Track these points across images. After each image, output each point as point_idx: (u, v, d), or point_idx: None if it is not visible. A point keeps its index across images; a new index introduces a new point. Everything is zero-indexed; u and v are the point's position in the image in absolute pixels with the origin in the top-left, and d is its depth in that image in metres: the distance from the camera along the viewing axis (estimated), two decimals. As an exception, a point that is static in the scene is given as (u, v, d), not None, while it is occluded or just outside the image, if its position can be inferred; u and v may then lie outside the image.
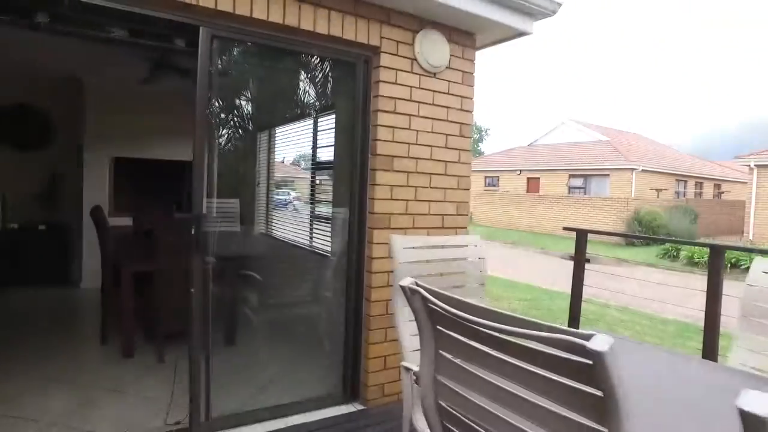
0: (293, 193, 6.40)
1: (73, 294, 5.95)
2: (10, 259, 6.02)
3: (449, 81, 3.30)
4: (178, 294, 3.67)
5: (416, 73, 3.15)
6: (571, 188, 23.19)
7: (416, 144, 3.17)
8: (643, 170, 20.46)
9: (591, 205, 19.04)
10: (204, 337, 2.71)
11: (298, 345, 4.02)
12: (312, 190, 5.49)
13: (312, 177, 5.52)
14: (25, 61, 5.60)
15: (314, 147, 5.52)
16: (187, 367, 2.72)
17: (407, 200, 3.15)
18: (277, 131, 6.40)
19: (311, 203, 5.50)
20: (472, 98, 3.41)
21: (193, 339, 2.65)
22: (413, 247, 2.26)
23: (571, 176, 23.30)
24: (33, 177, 6.52)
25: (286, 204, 6.52)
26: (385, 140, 3.03)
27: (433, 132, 3.24)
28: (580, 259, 3.95)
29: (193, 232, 2.55)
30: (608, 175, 21.31)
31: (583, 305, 3.95)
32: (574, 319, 3.89)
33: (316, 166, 5.50)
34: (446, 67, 3.26)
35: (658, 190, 20.41)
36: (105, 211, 5.97)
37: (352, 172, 3.11)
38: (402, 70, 3.09)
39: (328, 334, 3.76)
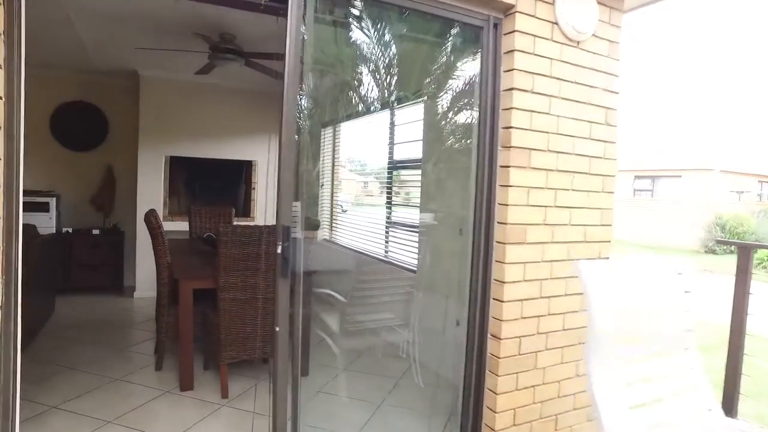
0: (365, 195, 5.76)
1: (126, 304, 5.49)
2: (63, 265, 5.63)
3: (594, 53, 2.54)
4: (245, 315, 3.06)
5: (557, 42, 2.42)
6: (636, 191, 21.75)
7: (557, 134, 2.44)
8: (721, 171, 18.88)
9: (660, 209, 17.69)
10: (291, 374, 2.06)
11: (388, 383, 3.34)
12: (389, 192, 4.83)
13: (389, 177, 4.85)
14: (82, 53, 5.18)
15: (392, 142, 4.86)
16: (257, 406, 2.08)
17: (546, 206, 2.42)
18: (344, 124, 5.78)
19: (388, 207, 4.83)
20: (618, 76, 2.65)
21: (277, 375, 2.00)
22: (619, 279, 1.53)
23: (637, 177, 21.86)
24: (87, 178, 6.13)
25: (342, 207, 5.88)
26: (521, 128, 2.31)
27: (575, 119, 2.50)
28: (743, 283, 3.11)
29: (279, 250, 1.89)
30: (680, 176, 19.81)
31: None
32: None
33: (395, 164, 4.83)
34: (591, 35, 2.51)
35: (740, 192, 18.80)
36: (160, 214, 5.50)
37: (477, 171, 2.40)
38: (540, 37, 2.36)
39: (432, 376, 3.07)
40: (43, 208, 5.60)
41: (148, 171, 5.72)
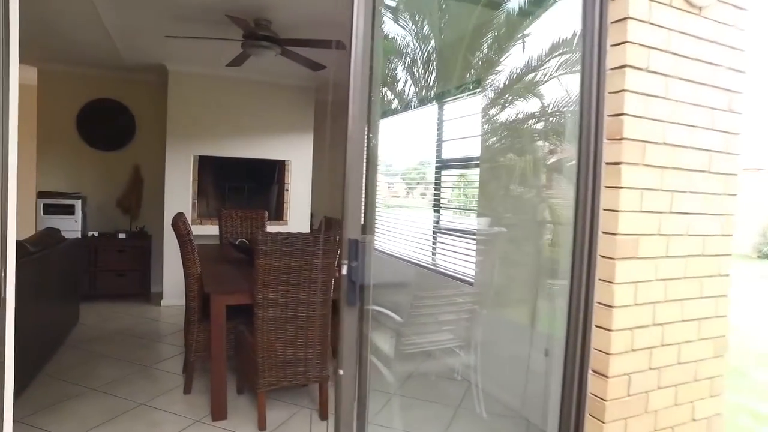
0: (409, 197, 5.33)
1: (153, 313, 5.17)
2: (88, 270, 5.35)
3: (718, 22, 2.07)
4: (285, 336, 2.67)
5: (677, 8, 1.95)
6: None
7: (673, 123, 1.97)
8: None
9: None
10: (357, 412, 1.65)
11: (447, 412, 2.91)
12: (436, 194, 4.40)
13: (437, 177, 4.42)
14: (109, 48, 4.88)
15: (440, 138, 4.43)
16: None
17: (660, 213, 1.96)
18: (387, 120, 5.37)
19: (435, 210, 4.40)
20: (744, 51, 2.17)
21: (341, 416, 1.58)
22: None
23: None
24: (113, 179, 5.86)
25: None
26: (634, 115, 1.85)
27: (694, 104, 2.02)
28: None
29: (345, 270, 1.47)
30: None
31: None
32: None
33: (443, 163, 4.40)
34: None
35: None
36: (188, 218, 5.17)
37: (579, 169, 1.94)
38: (657, 2, 1.90)
39: (498, 406, 2.63)
40: (69, 210, 5.33)
41: (176, 171, 5.40)
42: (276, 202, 5.96)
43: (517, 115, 2.96)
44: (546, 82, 2.56)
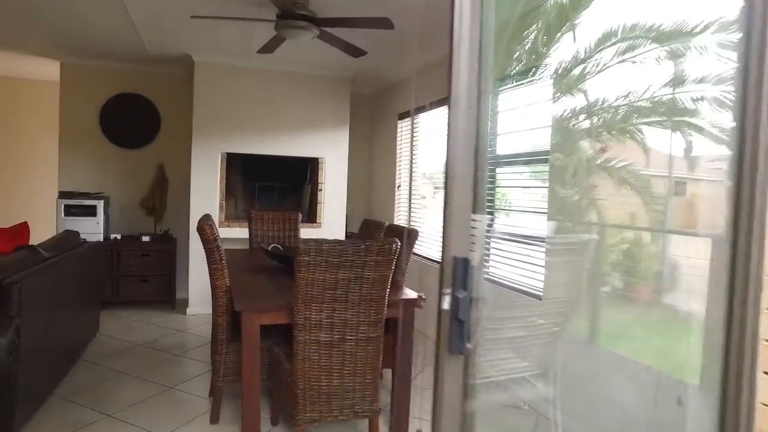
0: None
1: (178, 323, 4.79)
2: (110, 275, 5.01)
3: None
4: (330, 363, 2.21)
5: None
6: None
7: None
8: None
9: None
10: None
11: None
12: (490, 194, 3.91)
13: (490, 175, 3.93)
14: (132, 37, 4.53)
15: (494, 128, 3.94)
16: None
17: None
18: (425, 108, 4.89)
19: (489, 213, 3.90)
20: None
21: None
22: None
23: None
24: (137, 178, 5.52)
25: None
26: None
27: None
28: None
29: (447, 305, 1.00)
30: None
31: None
32: None
33: (498, 159, 3.91)
34: None
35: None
36: (215, 220, 4.79)
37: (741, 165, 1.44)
38: None
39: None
40: (90, 212, 5.00)
41: (202, 170, 5.02)
42: (309, 202, 5.53)
43: (611, 96, 2.45)
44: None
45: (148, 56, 5.15)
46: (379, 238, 3.12)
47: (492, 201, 3.88)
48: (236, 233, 5.05)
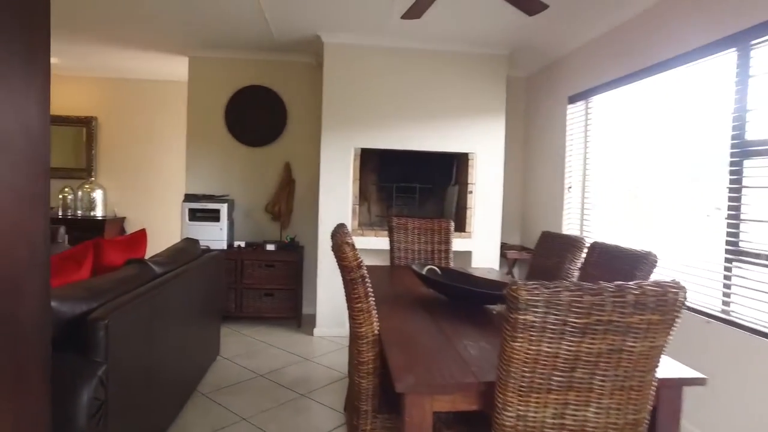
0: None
1: (304, 346, 4.13)
2: (235, 286, 4.50)
3: None
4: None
5: None
6: None
7: None
8: None
9: None
10: None
11: None
12: (734, 196, 2.69)
13: (735, 170, 2.71)
14: (258, 20, 3.96)
15: (741, 102, 2.72)
16: None
17: None
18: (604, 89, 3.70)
19: (732, 227, 2.68)
20: None
21: None
22: None
23: None
24: (262, 179, 5.00)
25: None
26: None
27: None
28: None
29: None
30: None
31: None
32: None
33: (747, 147, 2.67)
34: None
35: None
36: (348, 226, 4.03)
37: None
38: None
39: None
40: (213, 216, 4.53)
41: (333, 169, 4.32)
42: (456, 207, 4.61)
43: None
44: None
45: (275, 43, 4.59)
46: (630, 274, 2.05)
47: (736, 207, 2.65)
48: (371, 243, 4.28)
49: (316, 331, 4.37)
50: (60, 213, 5.84)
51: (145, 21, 4.16)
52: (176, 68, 5.44)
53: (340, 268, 1.92)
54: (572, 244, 2.55)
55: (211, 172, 4.97)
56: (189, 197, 4.59)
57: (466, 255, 4.40)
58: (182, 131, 5.04)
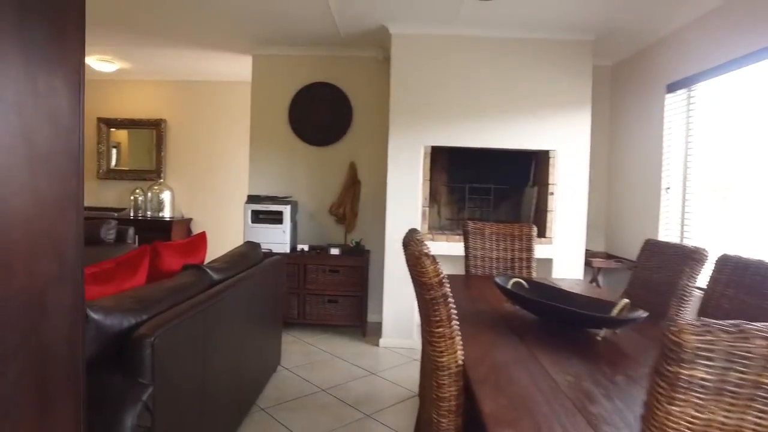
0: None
1: (370, 358, 3.87)
2: (297, 291, 4.32)
3: None
4: None
5: None
6: None
7: None
8: None
9: None
10: None
11: None
12: None
13: None
14: (325, 15, 3.76)
15: None
16: None
17: None
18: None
19: None
20: None
21: None
22: None
23: None
24: (326, 180, 4.79)
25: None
26: None
27: None
28: None
29: None
30: None
31: None
32: None
33: None
34: None
35: None
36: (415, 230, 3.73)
37: None
38: None
39: None
40: (276, 219, 4.36)
41: (401, 168, 4.03)
42: (534, 210, 4.20)
43: None
44: None
45: (340, 38, 4.37)
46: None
47: None
48: (442, 249, 3.95)
49: (382, 341, 4.10)
50: (132, 214, 5.92)
51: (209, 21, 4.08)
52: (240, 68, 5.36)
53: (415, 283, 1.62)
54: (690, 256, 2.12)
55: (275, 172, 4.82)
56: (251, 198, 4.45)
57: (546, 263, 3.99)
58: (247, 132, 4.93)
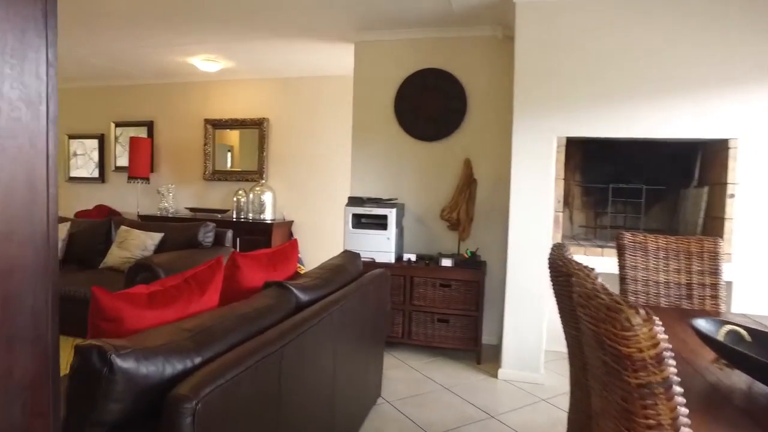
0: None
1: (486, 397, 3.21)
2: (402, 307, 3.77)
3: None
4: None
5: None
6: None
7: None
8: None
9: None
10: None
11: None
12: None
13: None
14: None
15: None
16: None
17: None
18: None
19: None
20: None
21: None
22: None
23: None
24: (436, 179, 4.20)
25: None
26: None
27: None
28: None
29: None
30: None
31: None
32: None
33: None
34: None
35: None
36: (546, 238, 3.06)
37: None
38: None
39: None
40: (380, 224, 3.86)
41: (527, 165, 3.32)
42: (704, 217, 3.28)
43: None
44: None
45: (452, 16, 3.77)
46: None
47: None
48: (588, 257, 3.18)
49: (501, 372, 3.41)
50: (234, 215, 5.76)
51: (309, 7, 3.69)
52: (342, 59, 4.96)
53: (598, 343, 0.97)
54: None
55: (379, 171, 4.32)
56: (353, 201, 3.98)
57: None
58: (349, 128, 4.49)
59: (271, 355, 1.52)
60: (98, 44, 4.91)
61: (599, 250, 3.20)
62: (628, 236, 2.34)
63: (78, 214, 6.22)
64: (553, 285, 1.69)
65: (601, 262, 3.12)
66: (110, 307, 1.56)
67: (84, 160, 6.79)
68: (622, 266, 2.34)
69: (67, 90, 6.71)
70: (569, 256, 1.58)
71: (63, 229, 4.66)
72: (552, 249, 1.73)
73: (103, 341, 1.23)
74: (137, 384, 1.23)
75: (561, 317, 1.69)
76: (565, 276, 1.50)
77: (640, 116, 3.15)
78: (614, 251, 3.17)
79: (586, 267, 1.21)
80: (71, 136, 6.82)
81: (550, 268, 1.68)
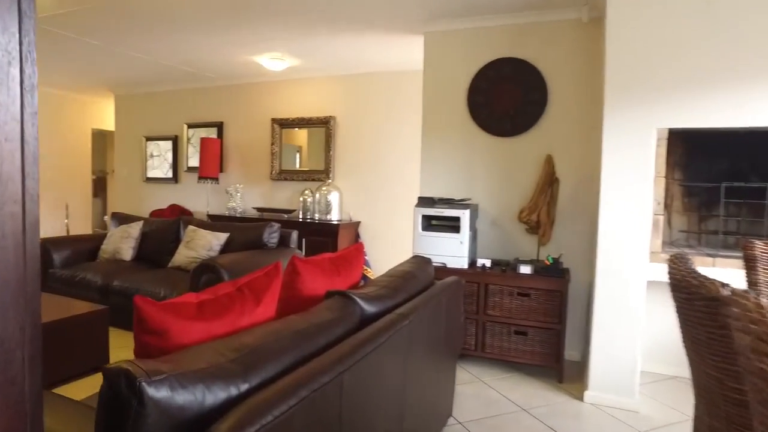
0: None
1: (571, 423, 2.85)
2: (476, 318, 3.47)
3: None
4: None
5: None
6: None
7: None
8: None
9: None
10: None
11: None
12: None
13: None
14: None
15: None
16: None
17: None
18: None
19: None
20: None
21: None
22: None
23: None
24: (514, 177, 3.86)
25: None
26: None
27: None
28: None
29: None
30: None
31: None
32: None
33: None
34: None
35: None
36: (645, 248, 2.66)
37: None
38: None
39: None
40: (452, 226, 3.58)
41: (620, 161, 2.92)
42: None
43: None
44: None
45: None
46: None
47: None
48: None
49: (588, 395, 3.03)
50: (300, 216, 5.67)
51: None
52: (410, 53, 4.72)
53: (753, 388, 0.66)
54: None
55: (450, 170, 4.03)
56: (423, 201, 3.72)
57: None
58: (419, 125, 4.24)
59: (331, 383, 1.29)
60: (174, 46, 4.95)
61: (710, 259, 2.76)
62: (760, 245, 1.93)
63: (153, 214, 6.37)
64: (677, 305, 1.36)
65: (712, 274, 2.68)
66: (155, 319, 1.40)
67: (159, 161, 6.97)
68: (753, 282, 1.93)
69: (144, 95, 6.92)
70: (704, 274, 1.25)
71: (136, 228, 4.74)
72: (672, 261, 1.40)
73: (134, 363, 1.05)
74: (172, 416, 1.03)
75: (688, 348, 1.35)
76: (703, 300, 1.17)
77: (753, 104, 2.68)
78: (728, 261, 2.73)
79: (749, 294, 0.89)
80: (148, 138, 7.02)
81: (673, 285, 1.35)
